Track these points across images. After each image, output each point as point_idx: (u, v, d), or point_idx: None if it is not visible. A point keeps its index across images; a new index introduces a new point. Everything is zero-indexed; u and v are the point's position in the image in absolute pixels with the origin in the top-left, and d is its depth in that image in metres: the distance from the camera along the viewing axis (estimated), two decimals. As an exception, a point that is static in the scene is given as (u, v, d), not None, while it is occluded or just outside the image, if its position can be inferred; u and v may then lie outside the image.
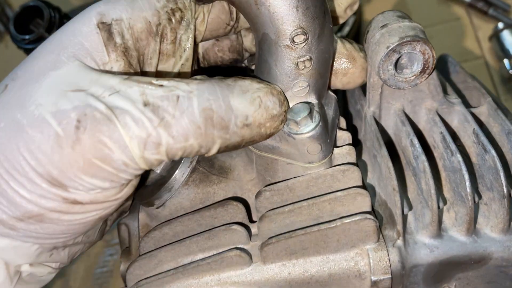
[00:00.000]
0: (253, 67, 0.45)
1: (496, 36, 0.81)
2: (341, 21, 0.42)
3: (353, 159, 0.39)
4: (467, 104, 0.46)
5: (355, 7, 0.40)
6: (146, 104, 0.32)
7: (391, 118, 0.43)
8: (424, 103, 0.43)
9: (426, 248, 0.38)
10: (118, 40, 0.36)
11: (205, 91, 0.33)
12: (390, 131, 0.44)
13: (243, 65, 0.47)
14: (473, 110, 0.44)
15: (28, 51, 0.71)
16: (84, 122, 0.32)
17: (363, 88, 0.47)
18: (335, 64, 0.40)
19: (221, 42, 0.44)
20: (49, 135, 0.32)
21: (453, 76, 0.51)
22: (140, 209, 0.46)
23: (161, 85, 0.33)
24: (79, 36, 0.35)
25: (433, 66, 0.37)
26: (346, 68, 0.41)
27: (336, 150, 0.39)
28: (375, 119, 0.42)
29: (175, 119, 0.32)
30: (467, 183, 0.37)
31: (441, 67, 0.54)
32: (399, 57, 0.37)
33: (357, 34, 0.75)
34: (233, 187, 0.43)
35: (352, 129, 0.47)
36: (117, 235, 0.49)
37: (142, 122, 0.32)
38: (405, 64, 0.38)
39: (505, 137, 0.41)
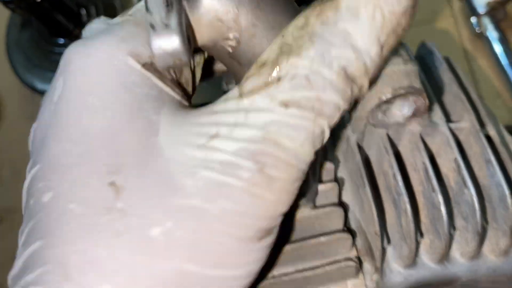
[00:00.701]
0: None
1: (465, -5, 0.78)
2: None
3: (336, 197, 0.39)
4: (448, 113, 0.45)
5: None
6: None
7: (374, 140, 0.42)
8: (409, 124, 0.42)
9: (401, 277, 0.40)
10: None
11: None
12: (372, 152, 0.43)
13: None
14: (454, 125, 0.43)
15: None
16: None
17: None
18: None
19: None
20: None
21: (436, 72, 0.49)
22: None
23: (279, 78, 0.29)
24: None
25: (425, 111, 0.36)
26: None
27: (320, 187, 0.39)
28: (358, 145, 0.41)
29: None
30: (445, 224, 0.38)
31: (423, 56, 0.51)
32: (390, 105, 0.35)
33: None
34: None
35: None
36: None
37: None
38: (395, 106, 0.36)
39: (484, 164, 0.41)
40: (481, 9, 0.78)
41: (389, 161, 0.41)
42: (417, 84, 0.34)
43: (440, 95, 0.47)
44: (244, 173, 0.28)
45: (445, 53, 0.87)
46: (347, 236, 0.38)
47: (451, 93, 0.46)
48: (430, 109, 0.44)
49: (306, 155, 0.30)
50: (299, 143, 0.29)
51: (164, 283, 0.27)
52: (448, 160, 0.42)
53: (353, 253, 0.40)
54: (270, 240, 0.31)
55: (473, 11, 0.79)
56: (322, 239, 0.38)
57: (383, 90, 0.34)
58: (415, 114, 0.36)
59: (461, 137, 0.44)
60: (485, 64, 0.81)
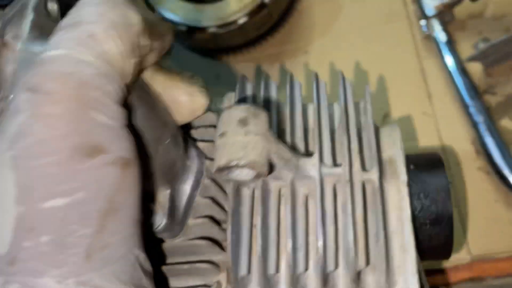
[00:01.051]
0: None
1: (417, -3, 0.78)
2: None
3: (207, 231, 0.43)
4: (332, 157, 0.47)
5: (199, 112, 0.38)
6: None
7: (244, 196, 0.44)
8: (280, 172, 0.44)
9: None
10: None
11: None
12: (244, 205, 0.45)
13: None
14: (328, 170, 0.45)
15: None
16: None
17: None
18: None
19: None
20: None
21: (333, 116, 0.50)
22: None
23: None
24: None
25: (266, 174, 0.39)
26: None
27: (192, 222, 0.43)
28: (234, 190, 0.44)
29: None
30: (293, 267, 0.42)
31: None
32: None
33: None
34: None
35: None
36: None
37: None
38: (235, 172, 0.39)
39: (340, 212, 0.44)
40: (430, 12, 0.78)
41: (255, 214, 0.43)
42: (252, 155, 0.37)
43: (329, 139, 0.48)
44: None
45: (399, 53, 0.87)
46: (207, 266, 0.42)
47: (339, 138, 0.47)
48: (306, 155, 0.45)
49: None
50: None
51: None
52: (314, 207, 0.44)
53: (216, 279, 0.44)
54: (106, 158, 0.27)
55: (423, 13, 0.79)
56: (185, 266, 0.42)
57: (220, 160, 0.37)
58: (258, 177, 0.39)
59: (335, 183, 0.46)
60: (435, 64, 0.83)
